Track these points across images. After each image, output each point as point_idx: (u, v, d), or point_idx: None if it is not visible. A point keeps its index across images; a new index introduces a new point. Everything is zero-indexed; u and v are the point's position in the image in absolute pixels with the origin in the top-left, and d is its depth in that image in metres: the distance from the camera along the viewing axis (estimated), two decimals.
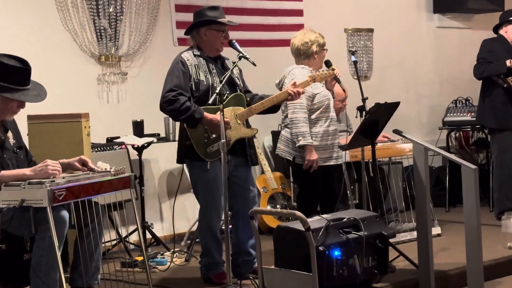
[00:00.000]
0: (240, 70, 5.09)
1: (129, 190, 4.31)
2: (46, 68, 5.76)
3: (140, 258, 5.36)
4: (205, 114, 4.72)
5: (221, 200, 4.76)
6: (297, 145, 5.33)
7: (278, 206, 6.78)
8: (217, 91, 4.51)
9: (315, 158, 5.33)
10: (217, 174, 4.72)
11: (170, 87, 4.75)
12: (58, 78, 5.97)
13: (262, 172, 6.92)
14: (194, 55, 4.90)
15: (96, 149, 5.66)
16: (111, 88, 6.34)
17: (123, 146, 5.91)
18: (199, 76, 4.84)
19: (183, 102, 4.71)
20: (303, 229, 4.01)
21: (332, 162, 5.46)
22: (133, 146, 6.01)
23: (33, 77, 4.15)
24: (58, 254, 3.75)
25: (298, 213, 4.05)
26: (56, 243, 3.74)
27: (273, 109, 5.01)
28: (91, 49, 6.21)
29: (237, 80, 5.00)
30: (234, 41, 4.81)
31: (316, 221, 4.33)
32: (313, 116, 5.43)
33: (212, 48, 4.94)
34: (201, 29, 4.91)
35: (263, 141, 7.24)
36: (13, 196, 3.72)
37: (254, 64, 4.69)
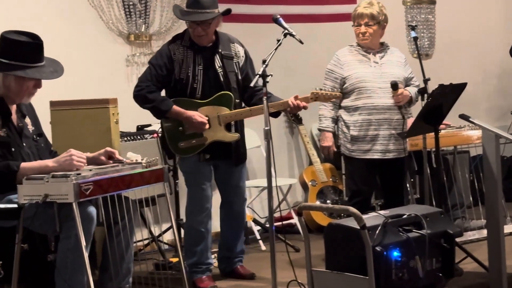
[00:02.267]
0: (246, 59, 5.21)
1: (162, 184, 4.33)
2: (69, 49, 5.82)
3: (175, 260, 5.40)
4: (175, 107, 4.98)
5: (202, 194, 5.11)
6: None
7: (328, 201, 6.77)
8: (259, 72, 4.51)
9: (326, 145, 5.52)
10: (191, 167, 5.11)
11: (144, 78, 5.10)
12: (83, 59, 6.03)
13: (310, 163, 6.91)
14: (183, 46, 5.08)
15: (125, 139, 5.71)
16: (141, 70, 6.35)
17: (155, 135, 5.95)
18: (181, 73, 5.06)
19: (150, 91, 5.03)
20: (358, 227, 3.99)
21: (376, 156, 5.46)
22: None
23: (55, 58, 4.20)
24: (85, 254, 3.78)
25: (352, 209, 4.03)
26: (83, 242, 3.76)
27: (273, 113, 5.12)
28: (119, 27, 6.25)
29: (231, 75, 5.11)
30: (278, 16, 4.80)
31: (373, 218, 4.30)
32: (349, 103, 5.44)
33: (194, 39, 5.10)
34: (175, 14, 5.18)
35: (311, 128, 7.22)
36: (36, 190, 3.75)
37: (301, 42, 4.68)
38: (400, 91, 5.39)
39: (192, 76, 5.07)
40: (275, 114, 5.22)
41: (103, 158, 4.20)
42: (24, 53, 4.01)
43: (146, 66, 6.38)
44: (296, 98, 5.05)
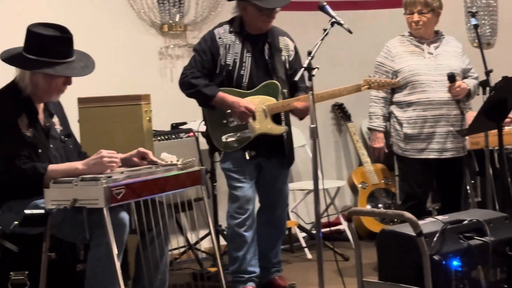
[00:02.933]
0: (296, 54, 5.26)
1: (199, 187, 4.34)
2: (97, 41, 5.86)
3: (213, 269, 5.42)
4: (221, 93, 5.04)
5: (244, 194, 5.14)
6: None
7: (380, 205, 6.75)
8: (304, 65, 4.50)
9: (377, 146, 5.51)
10: (234, 164, 5.16)
11: (189, 65, 5.20)
12: (112, 52, 6.07)
13: (360, 163, 6.89)
14: (230, 32, 5.13)
15: (159, 138, 5.75)
16: (175, 63, 6.42)
17: (191, 134, 5.98)
18: (227, 58, 5.12)
19: (194, 76, 5.08)
20: (414, 234, 3.97)
21: (432, 155, 5.43)
22: (203, 133, 6.06)
23: (83, 50, 4.22)
24: (117, 264, 3.78)
25: (408, 214, 4.00)
26: (115, 251, 3.76)
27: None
28: (151, 16, 6.29)
29: (279, 65, 5.12)
30: (325, 3, 4.79)
31: (430, 224, 4.27)
32: (402, 98, 5.42)
33: (252, 25, 5.15)
34: (241, 1, 5.12)
35: (360, 125, 7.21)
36: (64, 195, 3.76)
37: (350, 31, 4.66)
38: (457, 83, 5.35)
39: (239, 63, 5.13)
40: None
41: (135, 159, 4.22)
42: (53, 48, 4.01)
43: (181, 59, 6.45)
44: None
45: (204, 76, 5.14)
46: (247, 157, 5.14)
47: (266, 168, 5.27)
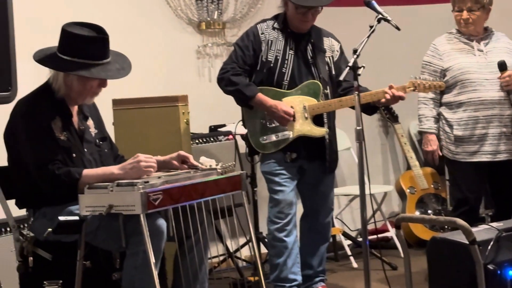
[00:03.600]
0: (341, 54, 5.27)
1: (239, 193, 4.34)
2: (132, 40, 5.91)
3: (254, 278, 5.42)
4: (260, 95, 5.04)
5: (285, 198, 5.14)
6: None
7: (429, 211, 6.72)
8: (350, 64, 4.50)
9: (430, 150, 5.47)
10: (274, 167, 5.16)
11: (229, 60, 5.22)
12: (148, 52, 6.11)
13: (408, 167, 6.86)
14: (273, 28, 5.16)
15: (197, 141, 5.77)
16: (213, 63, 6.44)
17: (231, 137, 5.99)
18: (269, 55, 5.14)
19: (235, 73, 5.10)
20: (467, 242, 3.94)
21: (485, 158, 5.40)
22: (242, 136, 6.08)
23: (116, 50, 4.24)
24: (155, 272, 3.79)
25: (460, 221, 3.98)
26: (152, 260, 3.77)
27: (367, 109, 5.09)
28: (189, 14, 6.32)
29: (322, 65, 5.13)
30: None
31: (484, 232, 4.24)
32: (451, 98, 5.39)
33: (292, 23, 5.19)
34: None
35: (408, 127, 7.17)
36: (99, 201, 3.77)
37: (398, 28, 4.64)
38: (508, 72, 5.30)
39: (281, 60, 5.15)
40: (370, 111, 5.21)
41: (175, 162, 4.24)
42: (88, 49, 4.03)
43: (219, 58, 6.46)
44: (391, 87, 5.04)
45: (245, 72, 5.17)
46: (288, 160, 5.15)
47: (308, 171, 5.27)
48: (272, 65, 5.15)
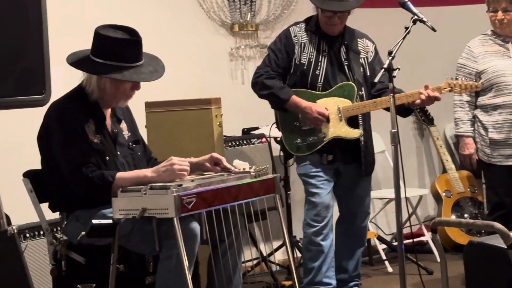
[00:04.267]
0: (376, 55, 5.27)
1: (273, 196, 4.34)
2: (164, 42, 5.93)
3: (288, 283, 5.42)
4: (294, 97, 5.07)
5: (321, 201, 5.15)
6: None
7: (466, 215, 6.68)
8: (385, 66, 4.49)
9: (467, 153, 5.48)
10: (310, 169, 5.17)
11: (263, 64, 5.25)
12: (181, 54, 6.12)
13: (444, 170, 6.83)
14: (306, 31, 5.19)
15: (230, 144, 5.78)
16: (247, 65, 6.45)
17: (264, 139, 5.99)
18: (302, 57, 5.16)
19: (269, 77, 5.13)
20: (505, 246, 3.92)
21: None
22: (276, 139, 6.08)
23: (150, 52, 4.26)
24: (188, 276, 3.80)
25: (497, 225, 3.95)
26: (186, 263, 3.78)
27: (401, 111, 5.07)
28: (221, 16, 6.33)
29: (356, 67, 5.13)
30: (406, 0, 4.77)
31: None
32: (486, 101, 5.36)
33: (322, 26, 5.20)
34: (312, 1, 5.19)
35: (444, 129, 7.14)
36: (132, 204, 3.79)
37: (434, 29, 4.63)
38: None
39: (314, 62, 5.17)
40: (405, 113, 5.19)
41: (208, 164, 4.25)
42: (121, 52, 4.05)
43: (252, 60, 6.47)
44: (426, 88, 5.01)
45: (279, 76, 5.19)
46: (324, 162, 5.15)
47: (344, 174, 5.26)
48: (305, 67, 5.16)
